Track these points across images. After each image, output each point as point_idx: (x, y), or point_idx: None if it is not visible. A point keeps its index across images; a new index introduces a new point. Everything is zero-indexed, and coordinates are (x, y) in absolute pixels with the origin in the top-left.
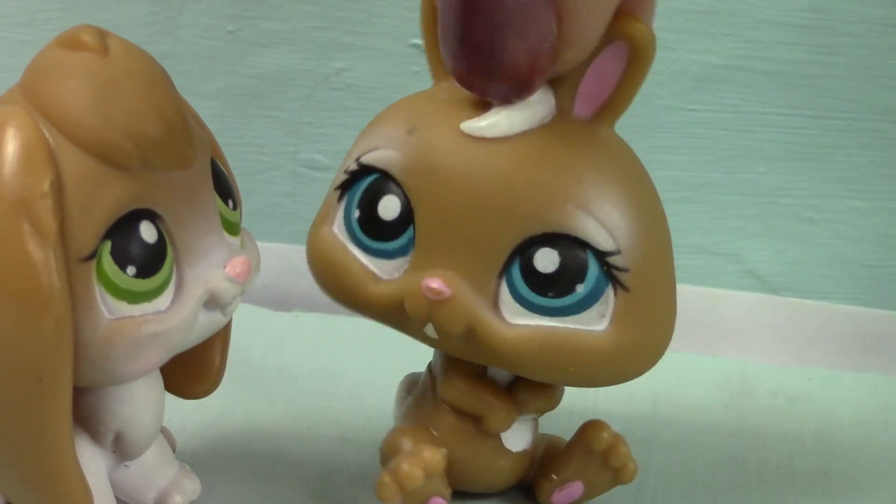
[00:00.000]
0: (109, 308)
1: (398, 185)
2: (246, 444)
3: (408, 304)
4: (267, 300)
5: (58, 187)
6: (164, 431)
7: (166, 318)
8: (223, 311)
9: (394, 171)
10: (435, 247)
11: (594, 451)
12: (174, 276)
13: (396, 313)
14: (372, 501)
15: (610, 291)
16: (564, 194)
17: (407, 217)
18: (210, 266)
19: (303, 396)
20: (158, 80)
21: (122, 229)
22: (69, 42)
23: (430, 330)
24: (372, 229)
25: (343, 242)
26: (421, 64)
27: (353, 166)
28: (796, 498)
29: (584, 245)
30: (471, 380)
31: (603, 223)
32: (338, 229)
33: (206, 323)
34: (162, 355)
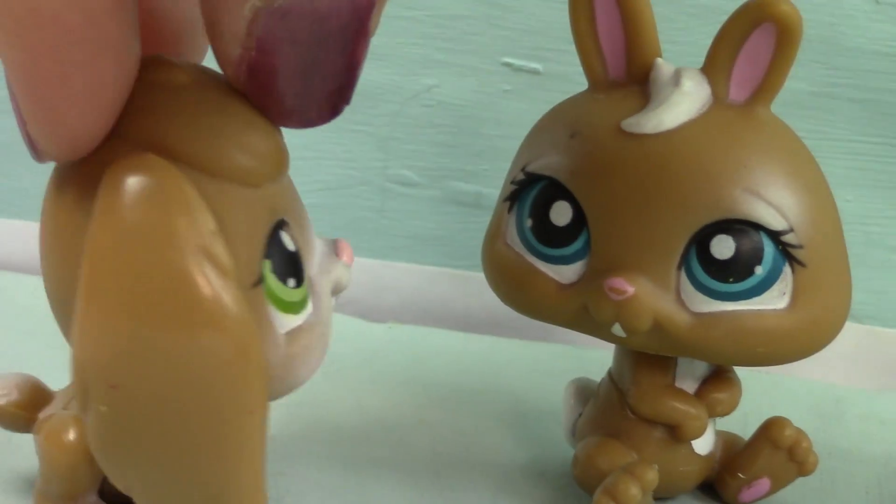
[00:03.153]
0: (282, 324)
1: (567, 189)
2: (337, 454)
3: (592, 308)
4: (353, 312)
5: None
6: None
7: (318, 316)
8: (337, 297)
9: (561, 176)
10: (611, 247)
11: (780, 447)
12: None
13: (582, 317)
14: None
15: (787, 269)
16: (732, 180)
17: (580, 220)
18: (323, 257)
19: (395, 408)
20: (236, 93)
21: (273, 246)
22: (155, 78)
23: (617, 329)
24: (546, 236)
25: (519, 253)
26: (512, 82)
27: (520, 176)
28: None
29: (758, 227)
30: (663, 391)
31: (773, 203)
32: (512, 241)
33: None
34: (325, 351)
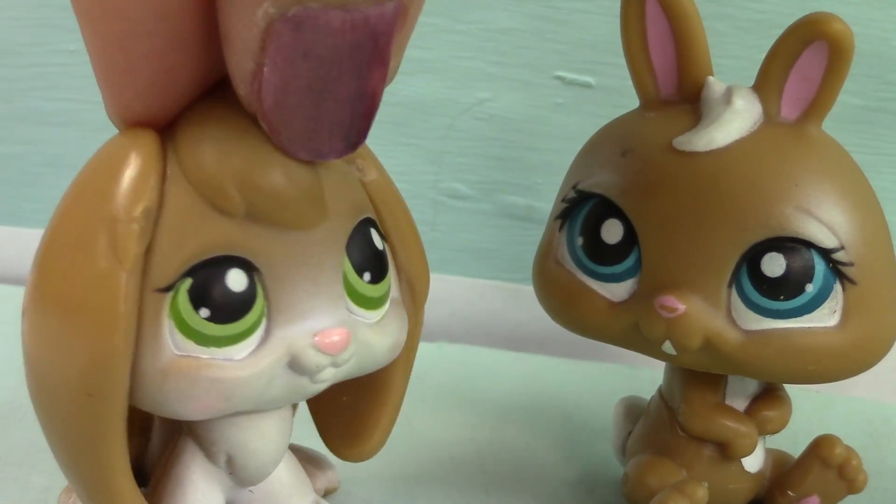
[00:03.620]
0: (177, 343)
1: (618, 207)
2: (387, 472)
3: (643, 325)
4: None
5: (153, 216)
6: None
7: (234, 368)
8: (311, 379)
9: (612, 194)
10: (662, 265)
11: (830, 465)
12: (261, 330)
13: (632, 335)
14: None
15: (838, 287)
16: (783, 198)
17: (631, 239)
18: (305, 330)
19: (445, 426)
20: None
21: (207, 271)
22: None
23: (668, 347)
24: (597, 254)
25: (570, 271)
26: (564, 96)
27: (572, 194)
28: None
29: (809, 245)
30: (713, 409)
31: (824, 221)
32: (563, 259)
33: (290, 385)
34: (221, 404)
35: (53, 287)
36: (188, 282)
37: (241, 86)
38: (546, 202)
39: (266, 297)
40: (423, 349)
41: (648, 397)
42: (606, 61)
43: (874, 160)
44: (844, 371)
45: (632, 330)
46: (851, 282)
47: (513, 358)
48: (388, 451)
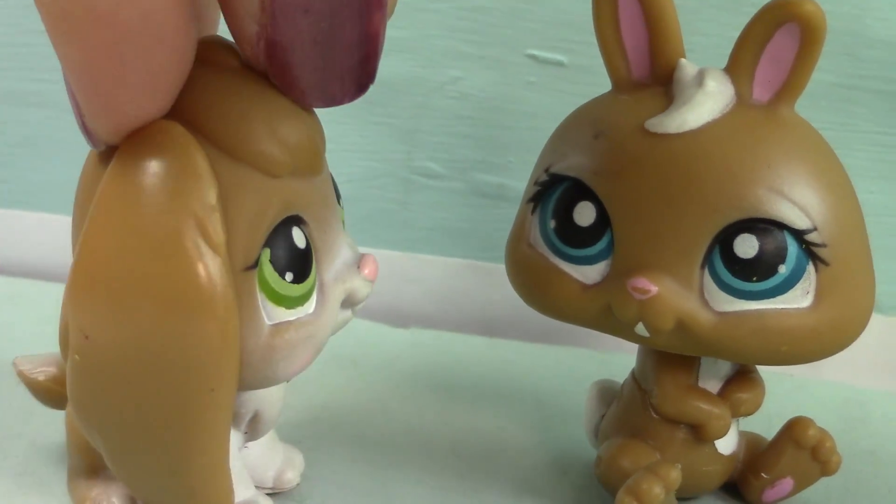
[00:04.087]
0: (269, 314)
1: (590, 190)
2: (361, 457)
3: (616, 307)
4: (376, 305)
5: (221, 199)
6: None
7: (315, 319)
8: (353, 309)
9: (584, 176)
10: (635, 247)
11: (803, 446)
12: (317, 279)
13: (605, 318)
14: None
15: (811, 268)
16: (756, 179)
17: (603, 221)
18: (344, 266)
19: (418, 410)
20: None
21: (278, 237)
22: (206, 57)
23: (640, 329)
24: (569, 237)
25: (543, 254)
26: (537, 74)
27: (544, 177)
28: None
29: (781, 226)
30: (686, 391)
31: (796, 202)
32: (535, 242)
33: (340, 321)
34: (313, 355)
35: (151, 300)
36: (267, 252)
37: (247, 48)
38: (519, 180)
39: (314, 246)
40: (396, 335)
41: (622, 381)
42: (579, 40)
43: (848, 137)
44: (818, 352)
45: (605, 312)
46: (824, 263)
47: (486, 343)
48: (361, 436)
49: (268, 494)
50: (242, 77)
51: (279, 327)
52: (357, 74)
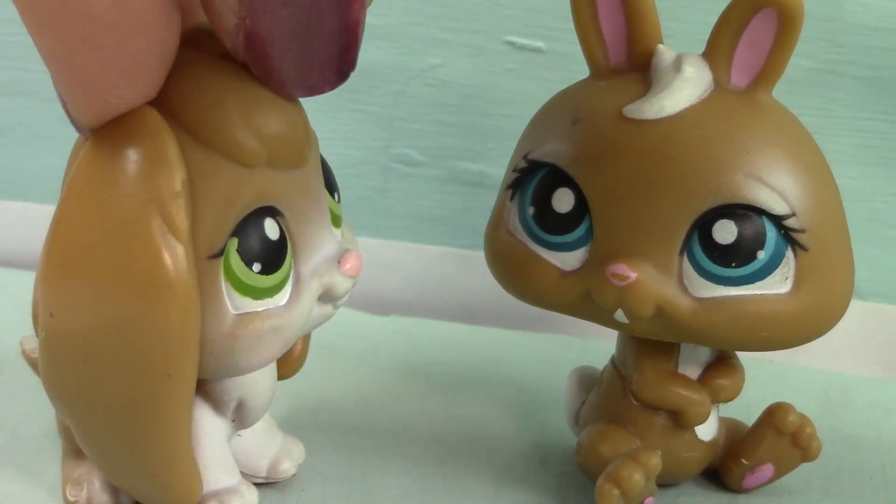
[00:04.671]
0: (234, 304)
1: (569, 176)
2: (340, 444)
3: (595, 294)
4: (356, 293)
5: (188, 186)
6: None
7: (286, 312)
8: (334, 304)
9: (563, 163)
10: (613, 233)
11: (783, 432)
12: (292, 272)
13: (584, 304)
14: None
15: (790, 254)
16: (734, 165)
17: (582, 207)
18: (324, 260)
19: (398, 398)
20: None
21: (248, 227)
22: (192, 45)
23: (619, 315)
24: (548, 223)
25: (521, 241)
26: (515, 61)
27: (522, 164)
28: None
29: (760, 212)
30: (666, 377)
31: (775, 188)
32: (514, 229)
33: (319, 316)
34: (281, 348)
35: (112, 282)
36: (235, 242)
37: (227, 39)
38: (498, 167)
39: (291, 239)
40: (376, 322)
41: (602, 367)
42: (557, 26)
43: (826, 123)
44: (797, 338)
45: (584, 299)
46: (803, 248)
47: (466, 330)
48: (342, 424)
49: (261, 484)
50: (224, 66)
51: (245, 317)
52: (337, 64)
